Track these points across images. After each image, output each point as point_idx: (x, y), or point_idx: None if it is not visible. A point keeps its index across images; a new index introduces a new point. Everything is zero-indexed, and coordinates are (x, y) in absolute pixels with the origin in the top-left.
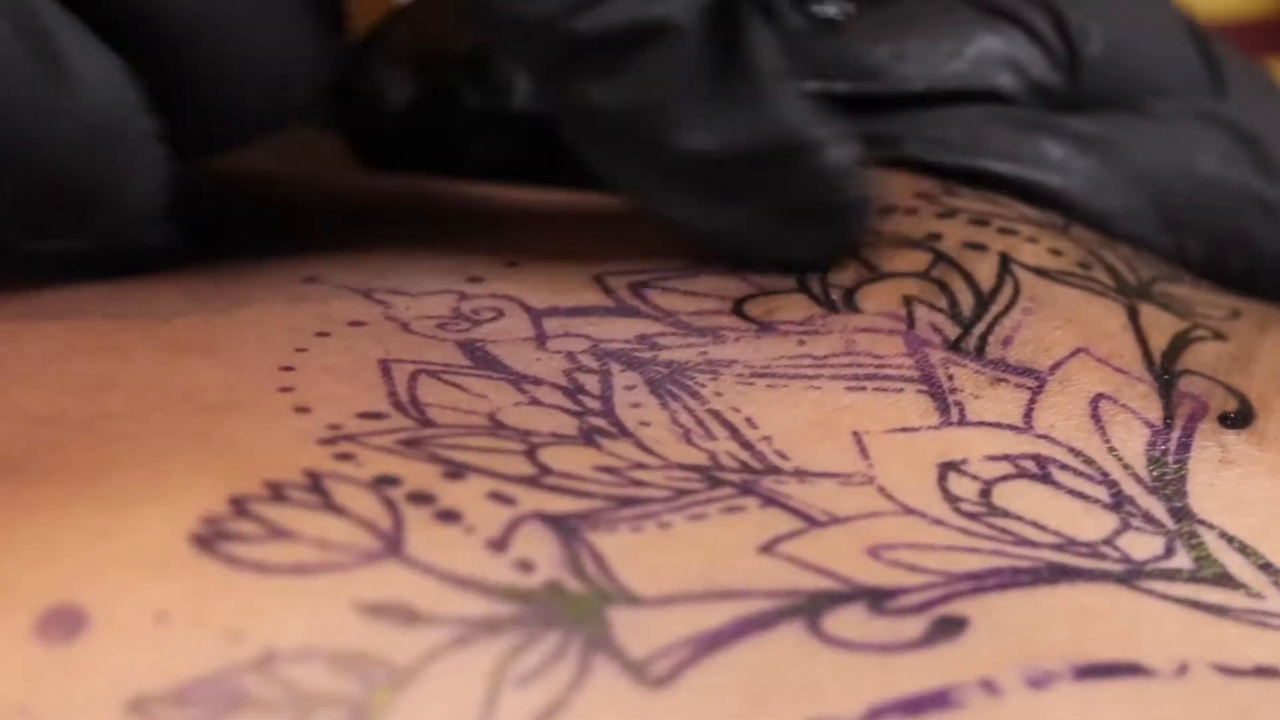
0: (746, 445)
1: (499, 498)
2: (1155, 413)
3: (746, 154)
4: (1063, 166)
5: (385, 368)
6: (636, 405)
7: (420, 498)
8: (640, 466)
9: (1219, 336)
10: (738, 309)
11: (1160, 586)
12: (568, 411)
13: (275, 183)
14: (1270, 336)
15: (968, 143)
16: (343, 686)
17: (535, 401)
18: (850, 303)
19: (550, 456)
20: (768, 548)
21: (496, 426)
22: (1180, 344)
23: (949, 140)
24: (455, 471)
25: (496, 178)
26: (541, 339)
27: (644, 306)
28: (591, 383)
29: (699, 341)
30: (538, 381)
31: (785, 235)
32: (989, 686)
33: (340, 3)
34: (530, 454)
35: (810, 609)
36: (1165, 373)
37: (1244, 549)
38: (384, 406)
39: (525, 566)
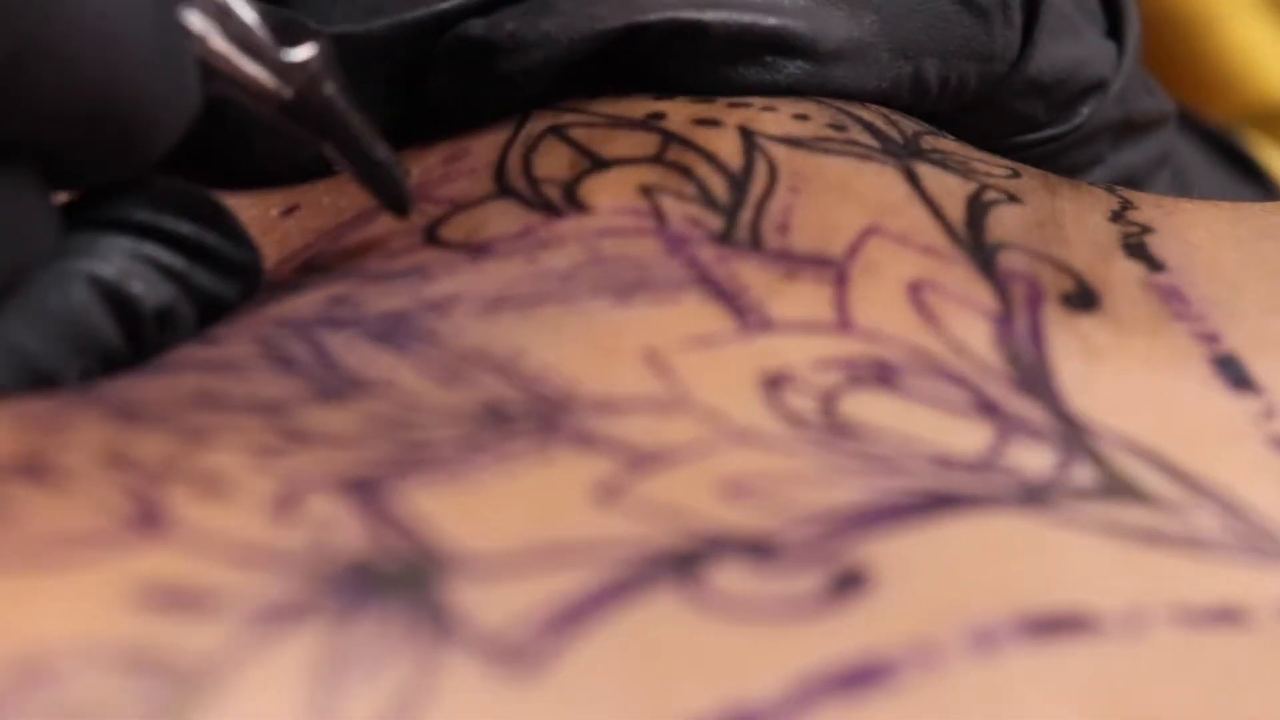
0: (524, 381)
1: (262, 461)
2: (987, 298)
3: None
4: (774, 7)
5: None
6: (368, 361)
7: (168, 465)
8: (409, 420)
9: (1014, 198)
10: (432, 237)
11: (1071, 509)
12: (288, 377)
13: None
14: (1063, 198)
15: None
16: (124, 698)
17: (239, 377)
18: (573, 200)
19: (304, 420)
20: (603, 495)
21: (209, 399)
22: (978, 210)
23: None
24: (196, 436)
25: None
26: (205, 337)
27: (318, 275)
28: (300, 350)
29: (402, 284)
30: (234, 366)
31: None
32: (926, 651)
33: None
34: (271, 414)
35: (681, 565)
36: (978, 247)
37: (1150, 457)
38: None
39: (322, 534)
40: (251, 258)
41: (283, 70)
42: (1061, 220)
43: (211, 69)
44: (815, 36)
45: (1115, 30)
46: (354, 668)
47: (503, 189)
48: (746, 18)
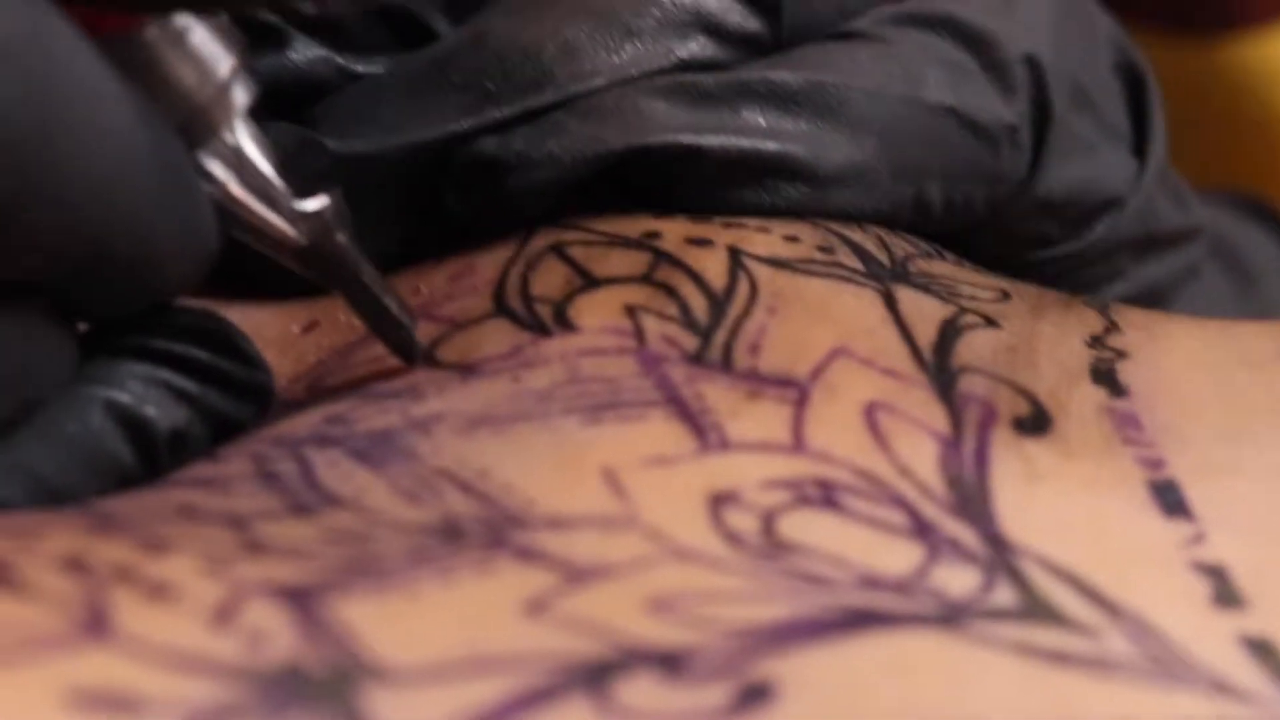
0: (484, 498)
1: (214, 572)
2: (940, 421)
3: None
4: (775, 132)
5: None
6: (346, 477)
7: (122, 572)
8: (367, 534)
9: (991, 323)
10: (429, 357)
11: (984, 630)
12: (268, 493)
13: None
14: (1047, 321)
15: (651, 123)
16: None
17: (225, 492)
18: (563, 320)
19: (263, 530)
20: (533, 608)
21: (188, 511)
22: (950, 334)
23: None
24: (157, 545)
25: None
26: (211, 455)
27: (322, 394)
28: (287, 469)
29: (395, 404)
30: (218, 480)
31: None
32: None
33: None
34: (238, 527)
35: (594, 678)
36: (941, 371)
37: (1072, 580)
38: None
39: (256, 641)
40: (263, 380)
41: (297, 219)
42: (1036, 344)
43: (229, 214)
44: (815, 161)
45: (1141, 148)
46: None
47: (500, 308)
48: (745, 143)
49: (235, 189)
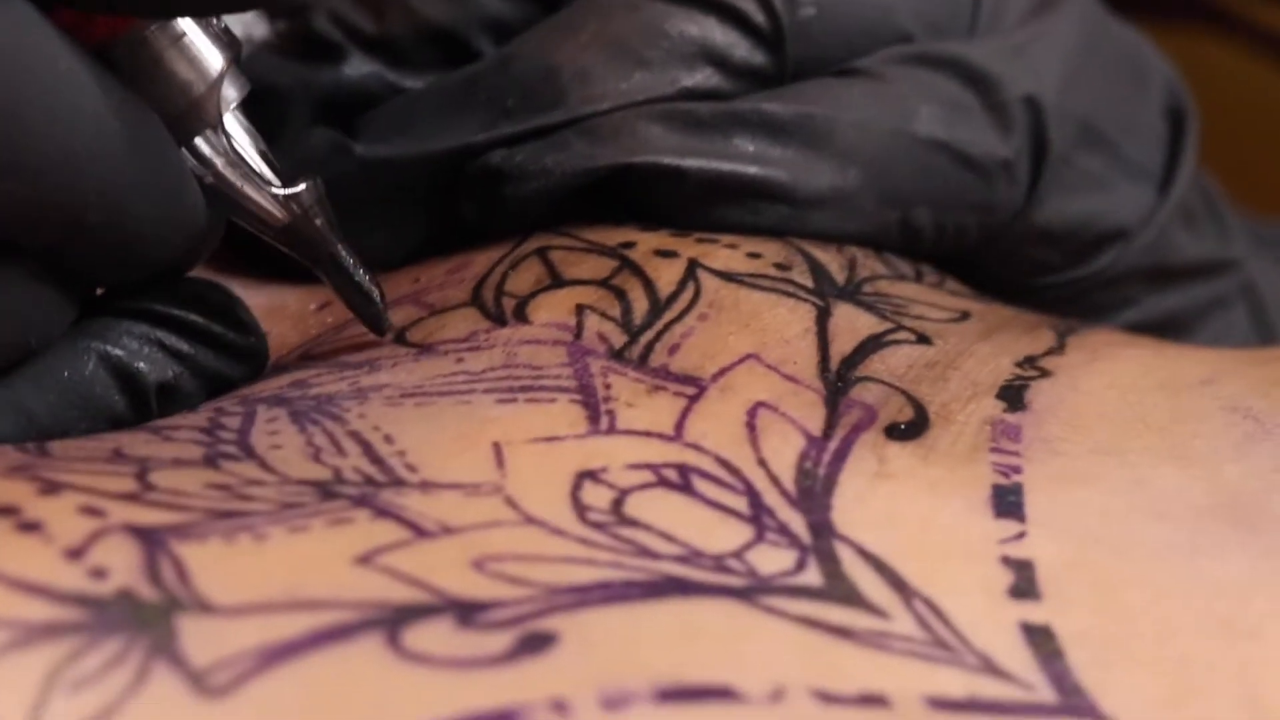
0: (376, 460)
1: (89, 511)
2: (815, 422)
3: None
4: (760, 158)
5: None
6: (274, 433)
7: (5, 511)
8: (255, 484)
9: (923, 340)
10: (399, 337)
11: (781, 603)
12: (198, 443)
13: None
14: (991, 341)
15: (642, 144)
16: None
17: (167, 439)
18: (521, 314)
19: (160, 476)
20: (365, 559)
21: (115, 455)
22: (870, 347)
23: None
24: (50, 488)
25: None
26: (197, 407)
27: (303, 361)
28: (232, 421)
29: (352, 374)
30: (175, 427)
31: None
32: (560, 707)
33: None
34: (140, 475)
35: (392, 621)
36: (839, 380)
37: (880, 566)
38: (3, 447)
39: (99, 574)
40: (256, 345)
41: (279, 200)
42: (960, 362)
43: (220, 194)
44: (795, 185)
45: (1167, 184)
46: (86, 678)
47: (474, 299)
48: (725, 166)
49: (224, 172)
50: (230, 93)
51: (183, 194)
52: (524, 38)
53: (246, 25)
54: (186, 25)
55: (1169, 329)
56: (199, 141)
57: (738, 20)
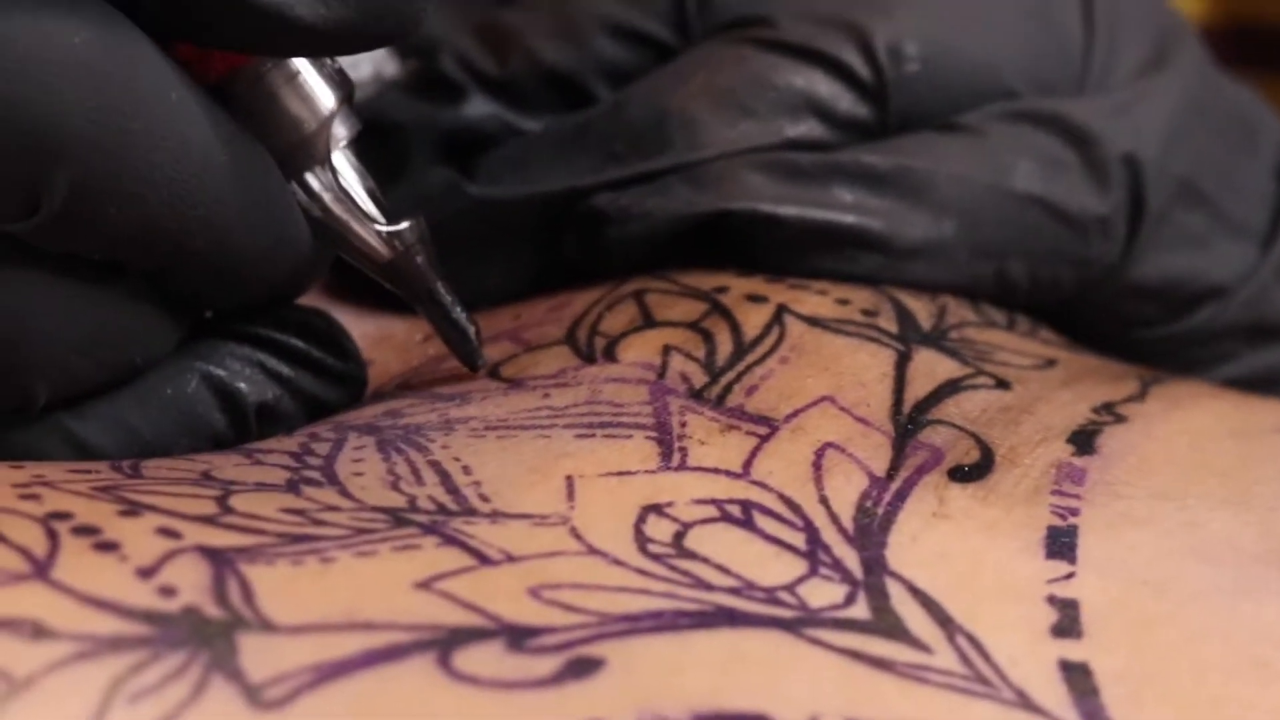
0: (452, 490)
1: (166, 532)
2: (880, 463)
3: None
4: (857, 208)
5: None
6: (358, 460)
7: (85, 530)
8: (331, 509)
9: (1002, 385)
10: (493, 372)
11: (826, 635)
12: (285, 468)
13: None
14: (1072, 389)
15: (743, 192)
16: None
17: (257, 463)
18: (610, 353)
19: (240, 500)
20: (425, 584)
21: (203, 478)
22: (945, 392)
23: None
24: (132, 510)
25: None
26: (293, 431)
27: (400, 391)
28: (322, 447)
29: (443, 405)
30: (268, 450)
31: None
32: None
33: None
34: (221, 499)
35: (445, 643)
36: (910, 422)
37: (927, 602)
38: (100, 465)
39: (168, 592)
40: (355, 371)
41: (382, 237)
42: (1036, 407)
43: (326, 228)
44: (891, 235)
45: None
46: (146, 689)
47: (569, 338)
48: (822, 215)
49: (331, 207)
50: (340, 131)
51: (288, 226)
52: (637, 85)
53: (377, 64)
54: (301, 64)
55: (1270, 385)
56: (308, 177)
57: (842, 74)
